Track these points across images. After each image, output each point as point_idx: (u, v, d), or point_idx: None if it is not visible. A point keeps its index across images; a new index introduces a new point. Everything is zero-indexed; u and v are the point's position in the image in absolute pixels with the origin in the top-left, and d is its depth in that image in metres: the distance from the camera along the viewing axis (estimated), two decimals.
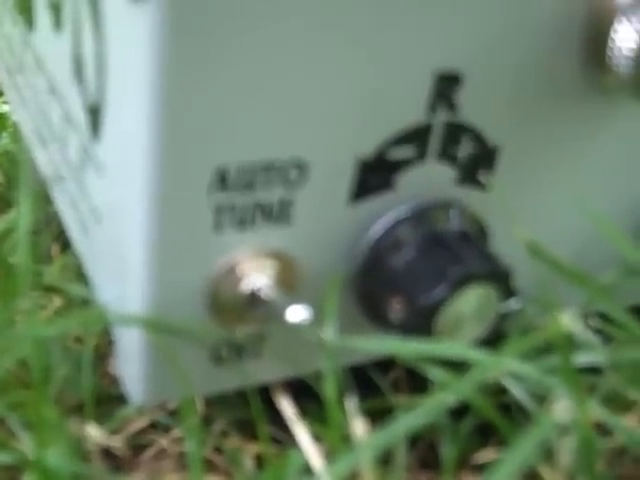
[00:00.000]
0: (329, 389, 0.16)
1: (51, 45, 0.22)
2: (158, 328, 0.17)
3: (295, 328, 0.17)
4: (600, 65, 0.18)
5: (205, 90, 0.15)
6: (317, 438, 0.19)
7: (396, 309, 0.18)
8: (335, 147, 0.17)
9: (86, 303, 0.21)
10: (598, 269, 0.21)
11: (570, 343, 0.16)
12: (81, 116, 0.20)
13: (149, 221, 0.17)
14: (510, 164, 0.19)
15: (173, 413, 0.21)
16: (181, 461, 0.21)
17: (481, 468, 0.20)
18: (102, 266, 0.20)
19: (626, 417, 0.19)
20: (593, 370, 0.18)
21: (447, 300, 0.18)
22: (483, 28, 0.17)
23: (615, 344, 0.19)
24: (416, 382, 0.21)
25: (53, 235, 0.27)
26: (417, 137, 0.18)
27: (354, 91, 0.17)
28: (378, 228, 0.19)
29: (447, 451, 0.19)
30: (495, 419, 0.17)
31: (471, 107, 0.18)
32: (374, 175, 0.18)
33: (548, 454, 0.17)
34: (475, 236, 0.19)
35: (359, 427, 0.18)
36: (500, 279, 0.18)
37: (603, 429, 0.18)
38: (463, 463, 0.20)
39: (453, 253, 0.18)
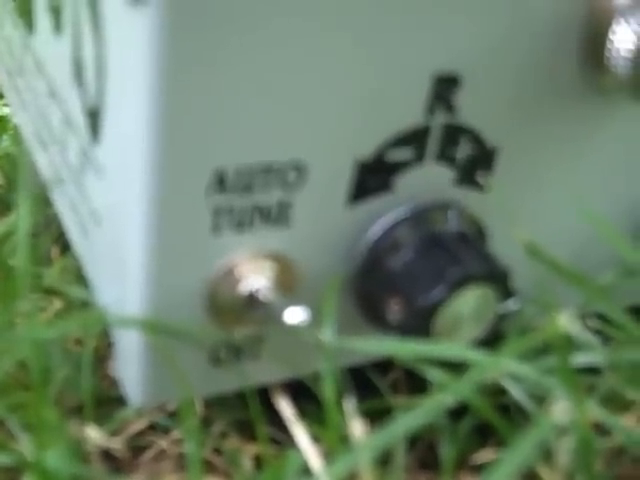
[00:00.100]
0: (328, 390, 0.16)
1: (51, 48, 0.22)
2: (157, 330, 0.18)
3: (293, 329, 0.17)
4: (598, 66, 0.18)
5: (203, 92, 0.16)
6: (316, 439, 0.19)
7: (394, 310, 0.18)
8: (333, 149, 0.17)
9: (86, 305, 0.21)
10: (596, 270, 0.21)
11: (568, 344, 0.16)
12: (81, 119, 0.20)
13: (148, 223, 0.17)
14: (508, 165, 0.19)
15: (172, 414, 0.21)
16: (180, 462, 0.21)
17: (480, 468, 0.20)
18: (102, 268, 0.20)
19: (624, 417, 0.19)
20: (592, 370, 0.18)
21: (445, 301, 0.18)
22: (482, 29, 0.17)
23: (613, 344, 0.19)
24: (415, 383, 0.21)
25: (53, 237, 0.27)
26: (415, 139, 0.18)
27: (353, 93, 0.17)
28: (377, 229, 0.19)
29: (446, 451, 0.19)
30: (494, 419, 0.17)
31: (470, 108, 0.18)
32: (372, 177, 0.18)
33: (547, 454, 0.17)
34: (473, 237, 0.19)
35: (358, 428, 0.18)
36: (498, 280, 0.18)
37: (602, 429, 0.18)
38: (462, 463, 0.20)
39: (451, 254, 0.18)
